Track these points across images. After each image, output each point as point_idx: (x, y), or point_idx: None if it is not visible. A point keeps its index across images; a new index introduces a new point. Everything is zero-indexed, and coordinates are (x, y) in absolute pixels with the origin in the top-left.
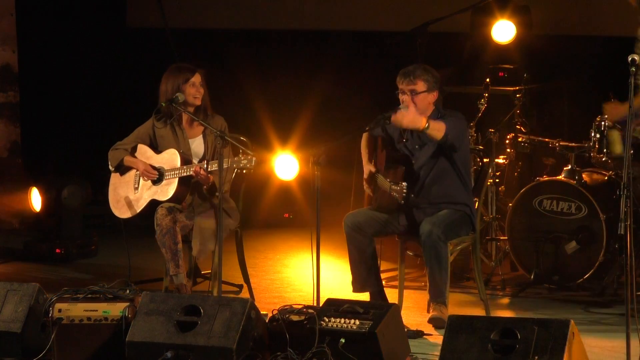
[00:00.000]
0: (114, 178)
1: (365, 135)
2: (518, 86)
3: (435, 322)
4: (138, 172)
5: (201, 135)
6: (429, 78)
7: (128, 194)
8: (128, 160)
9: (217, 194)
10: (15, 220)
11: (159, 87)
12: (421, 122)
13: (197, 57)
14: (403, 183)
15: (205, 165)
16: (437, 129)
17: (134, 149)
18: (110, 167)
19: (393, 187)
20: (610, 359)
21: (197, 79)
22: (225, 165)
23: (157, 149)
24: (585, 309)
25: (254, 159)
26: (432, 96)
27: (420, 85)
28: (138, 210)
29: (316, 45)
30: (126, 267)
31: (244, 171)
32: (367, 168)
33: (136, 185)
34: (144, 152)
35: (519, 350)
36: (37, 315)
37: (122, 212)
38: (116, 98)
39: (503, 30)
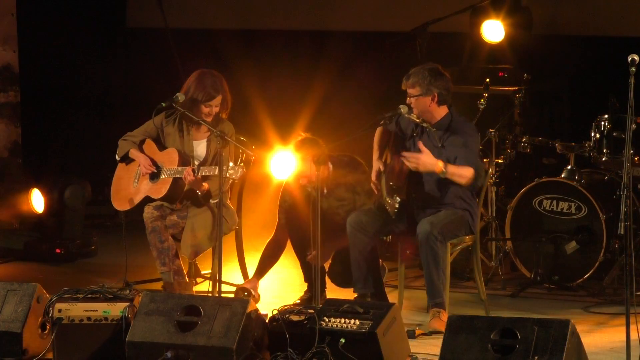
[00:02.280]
0: (119, 169)
1: (378, 130)
2: (518, 86)
3: (434, 332)
4: (139, 166)
5: (206, 139)
6: (421, 81)
7: (128, 187)
8: (133, 153)
9: (211, 200)
10: (15, 221)
11: (185, 81)
12: (435, 167)
13: (197, 57)
14: (397, 197)
15: (197, 170)
16: (460, 175)
17: (143, 142)
18: (116, 157)
19: (387, 199)
20: (610, 359)
21: (216, 102)
22: (215, 172)
23: (164, 146)
24: (585, 309)
25: (240, 170)
26: (428, 100)
27: (414, 89)
28: (134, 204)
29: (316, 45)
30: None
31: (230, 180)
32: (376, 165)
33: (136, 179)
34: (150, 147)
35: (519, 350)
36: (37, 315)
37: (120, 204)
38: (116, 98)
39: (493, 30)
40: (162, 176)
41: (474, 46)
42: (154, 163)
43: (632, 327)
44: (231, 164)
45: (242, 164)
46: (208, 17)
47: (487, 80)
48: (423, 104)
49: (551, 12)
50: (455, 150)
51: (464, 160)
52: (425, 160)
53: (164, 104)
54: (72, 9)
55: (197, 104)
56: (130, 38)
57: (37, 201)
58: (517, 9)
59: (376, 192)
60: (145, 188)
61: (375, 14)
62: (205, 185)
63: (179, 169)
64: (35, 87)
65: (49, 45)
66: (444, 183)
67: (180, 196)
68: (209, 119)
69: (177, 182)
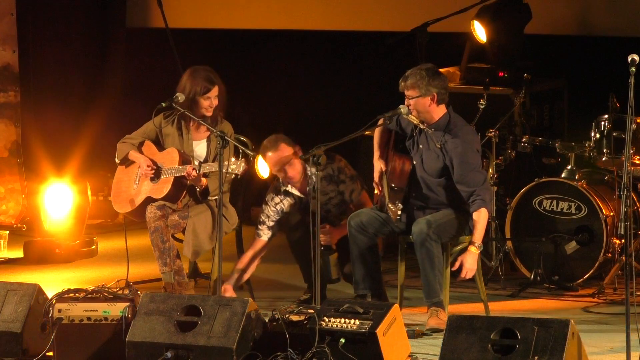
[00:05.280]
0: (119, 172)
1: (378, 130)
2: (518, 86)
3: (433, 331)
4: (140, 167)
5: (205, 140)
6: (419, 83)
7: (129, 189)
8: (132, 154)
9: (210, 197)
10: (15, 220)
11: (178, 82)
12: (477, 253)
13: (197, 57)
14: (399, 204)
15: (198, 167)
16: (482, 227)
17: (142, 144)
18: (116, 160)
19: (390, 205)
20: (610, 359)
21: (214, 93)
22: (215, 169)
23: (163, 147)
24: (585, 309)
25: (242, 165)
26: (427, 100)
27: (413, 91)
28: (135, 206)
29: (315, 45)
30: (126, 267)
31: (232, 176)
32: (378, 165)
33: (137, 181)
34: (149, 148)
35: (519, 350)
36: (37, 315)
37: (121, 207)
38: (116, 98)
39: (481, 30)
40: (163, 176)
41: (473, 46)
42: (154, 164)
43: (632, 327)
44: (233, 159)
45: (243, 159)
46: (208, 17)
47: (487, 80)
48: (423, 105)
49: (551, 11)
50: (455, 165)
51: (466, 184)
52: (470, 264)
53: (163, 104)
54: (72, 9)
55: (196, 100)
56: (130, 38)
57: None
58: (517, 8)
59: (378, 192)
60: (146, 189)
61: (375, 14)
62: (204, 180)
63: (180, 167)
64: (35, 87)
65: (49, 45)
66: (444, 184)
67: (182, 195)
68: (209, 113)
69: (178, 180)
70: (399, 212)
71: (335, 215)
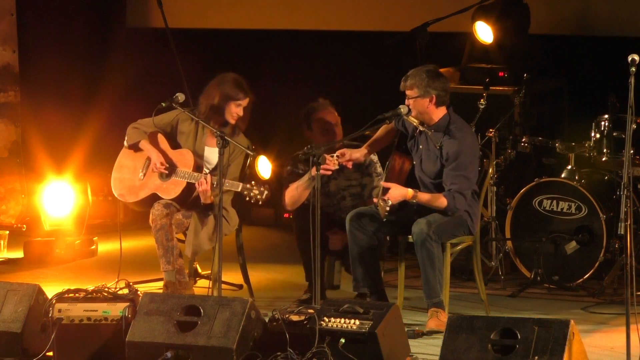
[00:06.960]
0: (124, 155)
1: (384, 127)
2: (518, 86)
3: (434, 332)
4: (150, 160)
5: (217, 147)
6: (419, 83)
7: (133, 178)
8: (144, 145)
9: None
10: (15, 220)
11: (205, 86)
12: (406, 195)
13: (197, 57)
14: (389, 200)
15: (211, 178)
16: (430, 206)
17: (153, 135)
18: (125, 143)
19: (380, 202)
20: (610, 358)
21: (246, 102)
22: (237, 189)
23: (174, 142)
24: (585, 309)
25: (265, 192)
26: (426, 101)
27: (412, 91)
28: (138, 199)
29: (316, 46)
30: (126, 267)
31: (252, 201)
32: (362, 150)
33: (144, 172)
34: (161, 143)
35: (519, 350)
36: (37, 315)
37: (122, 194)
38: (116, 98)
39: (485, 31)
40: (175, 177)
41: (473, 46)
42: (168, 161)
43: (632, 327)
44: (254, 183)
45: (267, 185)
46: (208, 17)
47: (487, 80)
48: (421, 106)
49: (551, 11)
50: (446, 162)
51: (450, 180)
52: (393, 193)
53: (163, 104)
54: (72, 8)
55: (226, 104)
56: (130, 38)
57: None
58: (517, 8)
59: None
60: (153, 184)
61: (375, 14)
62: (212, 198)
63: (195, 174)
64: (35, 87)
65: (49, 45)
66: (442, 185)
67: (189, 198)
68: (233, 121)
69: (190, 185)
70: (387, 208)
71: (346, 207)
